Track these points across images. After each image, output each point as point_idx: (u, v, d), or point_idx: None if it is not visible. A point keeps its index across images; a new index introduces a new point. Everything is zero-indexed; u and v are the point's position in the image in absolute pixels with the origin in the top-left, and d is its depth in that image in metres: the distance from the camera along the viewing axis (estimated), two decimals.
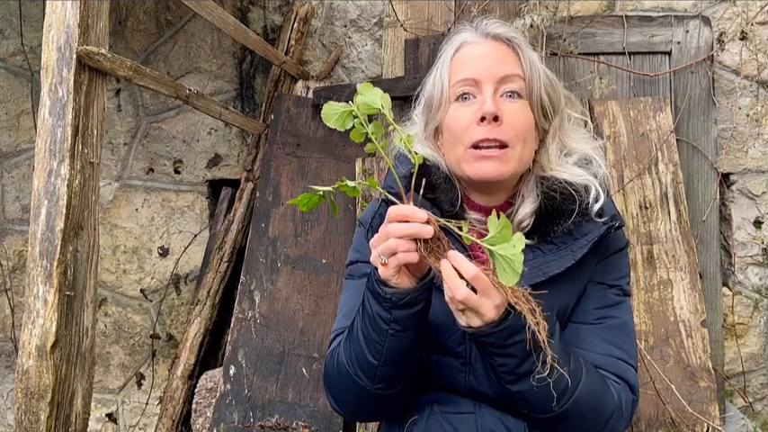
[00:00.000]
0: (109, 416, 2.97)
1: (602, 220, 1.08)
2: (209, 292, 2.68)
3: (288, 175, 2.62)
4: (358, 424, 2.25)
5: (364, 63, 2.81)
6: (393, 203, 0.95)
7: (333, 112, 0.95)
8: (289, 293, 2.46)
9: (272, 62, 2.67)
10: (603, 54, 2.50)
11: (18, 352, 1.51)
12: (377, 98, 0.94)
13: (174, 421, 2.59)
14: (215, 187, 2.96)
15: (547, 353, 0.87)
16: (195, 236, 2.92)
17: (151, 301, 2.96)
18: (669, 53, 2.46)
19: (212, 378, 2.50)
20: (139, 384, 2.96)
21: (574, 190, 1.08)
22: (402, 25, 2.62)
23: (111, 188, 3.01)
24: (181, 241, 2.94)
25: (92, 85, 1.59)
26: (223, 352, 2.65)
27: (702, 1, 2.52)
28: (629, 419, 1.06)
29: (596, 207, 1.08)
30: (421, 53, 2.58)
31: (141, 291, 2.97)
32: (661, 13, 2.52)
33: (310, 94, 2.75)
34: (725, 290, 2.45)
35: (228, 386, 2.34)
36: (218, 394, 2.35)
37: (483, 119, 1.05)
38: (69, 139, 1.50)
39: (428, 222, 0.89)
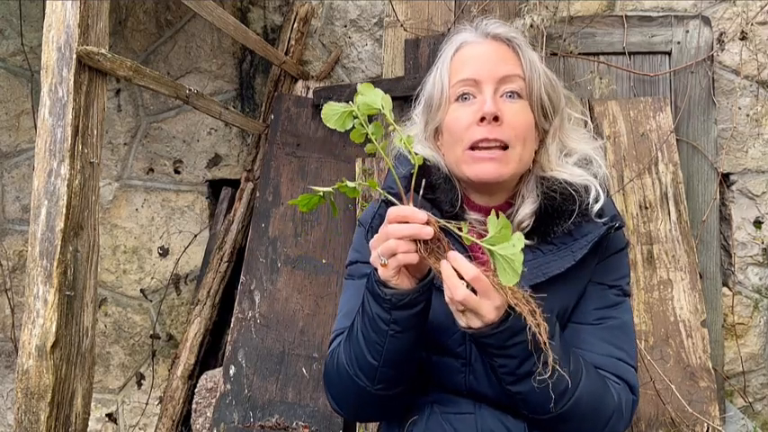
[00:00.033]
0: (109, 416, 2.97)
1: (603, 220, 1.08)
2: (209, 292, 2.68)
3: (288, 175, 2.62)
4: (358, 424, 2.25)
5: (364, 63, 2.81)
6: (393, 204, 0.95)
7: (333, 113, 0.95)
8: (289, 293, 2.46)
9: (272, 62, 2.67)
10: (603, 54, 2.50)
11: (18, 352, 1.51)
12: (377, 98, 0.94)
13: (174, 421, 2.59)
14: (215, 187, 2.96)
15: (548, 354, 0.87)
16: (195, 236, 2.92)
17: (151, 301, 2.96)
18: (669, 53, 2.46)
19: (212, 378, 2.50)
20: (139, 384, 2.96)
21: (574, 190, 1.08)
22: (402, 25, 2.62)
23: (111, 188, 3.01)
24: (181, 241, 2.94)
25: (92, 85, 1.59)
26: (223, 352, 2.65)
27: (702, 1, 2.52)
28: (629, 420, 1.06)
29: (596, 207, 1.08)
30: (421, 53, 2.58)
31: (141, 291, 2.97)
32: (661, 13, 2.52)
33: (310, 94, 2.75)
34: (725, 290, 2.45)
35: (228, 386, 2.34)
36: (218, 394, 2.35)
37: (483, 119, 1.04)
38: (69, 139, 1.50)
39: (428, 223, 0.89)
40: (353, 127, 0.95)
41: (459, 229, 0.89)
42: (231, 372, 2.36)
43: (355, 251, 1.21)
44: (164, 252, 2.95)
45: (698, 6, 2.53)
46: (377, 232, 0.96)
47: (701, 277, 2.27)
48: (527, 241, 1.07)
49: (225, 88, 2.94)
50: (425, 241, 0.89)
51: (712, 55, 2.44)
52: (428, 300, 0.98)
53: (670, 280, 2.22)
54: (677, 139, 2.36)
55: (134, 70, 1.73)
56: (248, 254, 2.53)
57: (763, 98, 2.50)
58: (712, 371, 2.15)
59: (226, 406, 2.31)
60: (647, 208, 2.29)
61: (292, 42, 2.75)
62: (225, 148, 2.93)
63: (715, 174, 2.42)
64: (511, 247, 0.83)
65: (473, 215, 1.13)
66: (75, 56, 1.51)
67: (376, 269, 0.95)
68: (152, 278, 2.96)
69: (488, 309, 0.89)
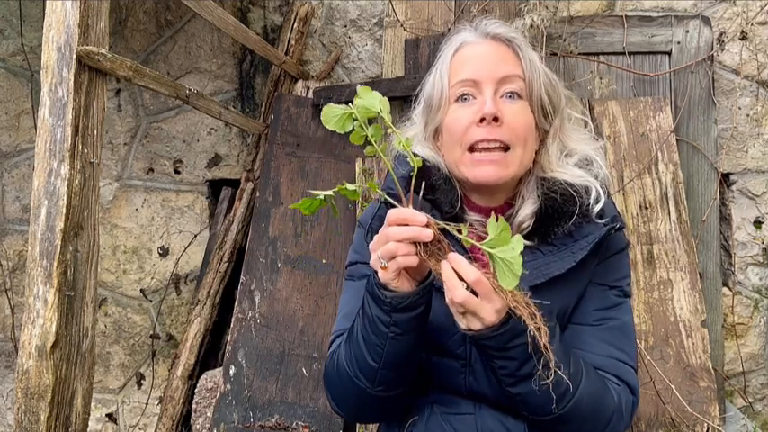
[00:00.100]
0: (109, 416, 2.97)
1: (603, 221, 1.08)
2: (209, 292, 2.68)
3: (288, 175, 2.62)
4: (358, 424, 2.25)
5: (364, 63, 2.81)
6: (393, 205, 0.94)
7: (332, 115, 0.95)
8: (289, 293, 2.46)
9: (272, 62, 2.67)
10: (603, 54, 2.50)
11: (18, 352, 1.51)
12: (375, 101, 0.94)
13: (174, 421, 2.59)
14: (215, 187, 2.96)
15: (548, 357, 0.87)
16: (195, 236, 2.92)
17: (151, 301, 2.96)
18: (669, 53, 2.46)
19: (212, 378, 2.50)
20: (139, 384, 2.96)
21: (574, 191, 1.08)
22: (402, 25, 2.62)
23: (111, 188, 3.01)
24: (181, 241, 2.94)
25: (92, 85, 1.59)
26: (223, 352, 2.65)
27: (702, 1, 2.52)
28: (629, 421, 1.06)
29: (597, 208, 1.07)
30: (421, 53, 2.58)
31: (141, 291, 2.97)
32: (661, 13, 2.52)
33: (310, 94, 2.75)
34: (725, 290, 2.45)
35: (228, 386, 2.34)
36: (218, 394, 2.35)
37: (482, 120, 1.04)
38: (69, 139, 1.50)
39: (428, 225, 0.89)
40: (353, 129, 0.95)
41: (459, 232, 0.89)
42: (231, 372, 2.36)
43: (355, 252, 1.21)
44: (164, 252, 2.95)
45: (698, 6, 2.53)
46: (376, 233, 0.95)
47: (701, 277, 2.27)
48: (527, 242, 1.07)
49: (225, 88, 2.94)
50: (425, 243, 0.89)
51: (712, 55, 2.44)
52: (428, 302, 0.98)
53: (670, 280, 2.22)
54: (677, 139, 2.36)
55: (134, 70, 1.73)
56: (248, 254, 2.53)
57: (763, 98, 2.50)
58: (712, 371, 2.15)
59: (226, 406, 2.31)
60: (647, 208, 2.29)
61: (292, 42, 2.75)
62: (225, 148, 2.93)
63: (715, 174, 2.42)
64: (510, 251, 0.83)
65: (473, 216, 1.12)
66: (75, 56, 1.51)
67: (376, 272, 0.95)
68: (152, 278, 2.96)
69: (489, 311, 0.88)
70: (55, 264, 1.48)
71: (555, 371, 0.90)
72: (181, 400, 2.61)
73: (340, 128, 0.95)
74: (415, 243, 0.90)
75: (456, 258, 0.89)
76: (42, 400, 1.46)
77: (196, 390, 2.52)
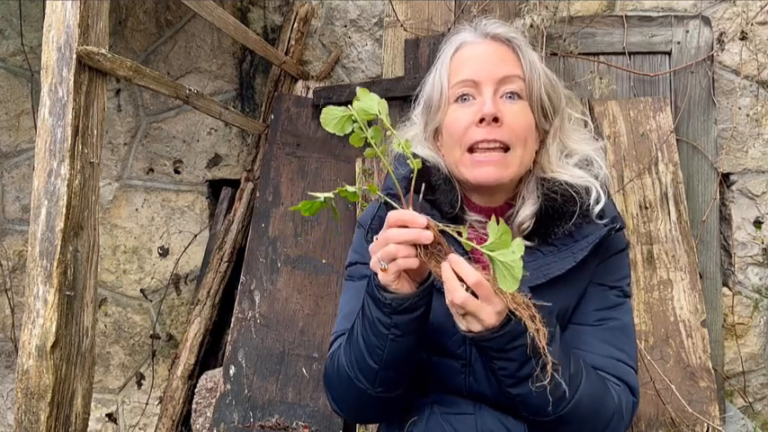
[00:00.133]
0: (109, 416, 2.97)
1: (603, 221, 1.08)
2: (209, 292, 2.68)
3: (288, 175, 2.62)
4: (358, 424, 2.25)
5: (364, 63, 2.81)
6: (392, 207, 0.94)
7: (332, 117, 0.95)
8: (289, 293, 2.46)
9: (272, 62, 2.67)
10: (603, 54, 2.50)
11: (18, 352, 1.51)
12: (374, 103, 0.93)
13: (174, 421, 2.59)
14: (215, 187, 2.96)
15: (546, 361, 0.87)
16: (195, 236, 2.92)
17: (151, 301, 2.96)
18: (669, 53, 2.46)
19: (212, 378, 2.50)
20: (139, 384, 2.96)
21: (575, 192, 1.07)
22: (402, 25, 2.62)
23: (111, 188, 3.01)
24: (181, 241, 2.94)
25: (92, 85, 1.59)
26: (223, 352, 2.65)
27: (702, 1, 2.52)
28: (629, 421, 1.06)
29: (597, 209, 1.07)
30: (421, 53, 2.57)
31: (141, 291, 2.97)
32: (661, 13, 2.52)
33: (310, 94, 2.75)
34: (725, 290, 2.45)
35: (228, 386, 2.34)
36: (218, 394, 2.35)
37: (482, 120, 1.04)
38: (69, 139, 1.50)
39: (428, 227, 0.88)
40: (353, 131, 0.95)
41: (459, 234, 0.89)
42: (231, 372, 2.36)
43: (355, 252, 1.21)
44: (164, 252, 2.95)
45: (698, 6, 2.53)
46: (376, 233, 0.95)
47: (701, 277, 2.27)
48: (527, 242, 1.07)
49: (225, 88, 2.94)
50: (425, 245, 0.89)
51: (712, 55, 2.44)
52: (428, 304, 0.98)
53: (670, 280, 2.22)
54: (677, 139, 2.36)
55: (134, 70, 1.73)
56: (248, 254, 2.53)
57: (763, 98, 2.50)
58: (712, 371, 2.15)
59: (226, 406, 2.31)
60: (647, 208, 2.29)
61: (292, 42, 2.75)
62: (225, 148, 2.93)
63: (715, 174, 2.42)
64: (511, 254, 0.83)
65: (473, 216, 1.12)
66: (75, 56, 1.51)
67: (376, 274, 0.95)
68: (152, 278, 2.96)
69: (489, 313, 0.88)
70: (55, 264, 1.48)
71: (554, 373, 0.90)
72: (181, 400, 2.61)
73: (339, 130, 0.95)
74: (415, 245, 0.89)
75: (456, 260, 0.88)
76: (42, 400, 1.46)
77: (196, 390, 2.52)
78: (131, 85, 2.97)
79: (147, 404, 2.92)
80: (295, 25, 2.74)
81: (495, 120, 1.04)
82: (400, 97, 2.48)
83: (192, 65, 2.95)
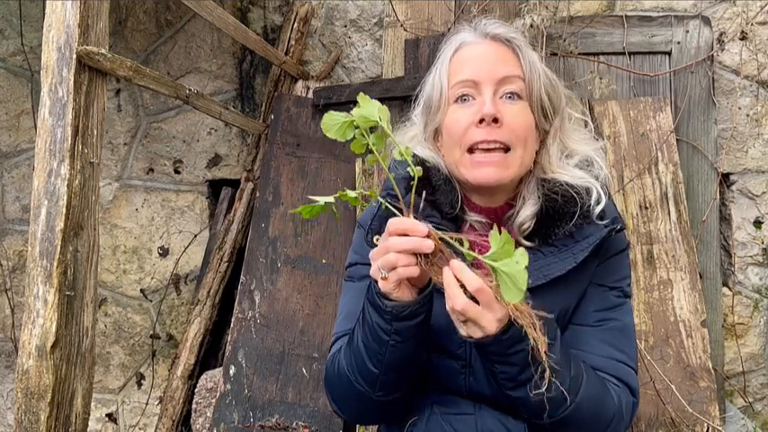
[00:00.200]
0: (109, 416, 2.97)
1: (604, 222, 1.07)
2: (209, 292, 2.68)
3: (288, 175, 2.62)
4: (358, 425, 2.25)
5: (364, 63, 2.81)
6: (392, 213, 0.94)
7: (333, 123, 0.94)
8: (289, 293, 2.46)
9: (272, 62, 2.67)
10: (603, 54, 2.50)
11: (18, 352, 1.51)
12: (375, 110, 0.92)
13: (174, 421, 2.59)
14: (215, 187, 2.96)
15: (544, 366, 0.86)
16: (195, 236, 2.92)
17: (151, 301, 2.96)
18: (669, 53, 2.46)
19: (212, 378, 2.50)
20: (139, 384, 2.96)
21: (575, 192, 1.07)
22: (402, 25, 2.62)
23: (111, 188, 3.01)
24: (181, 241, 2.94)
25: (92, 85, 1.59)
26: (223, 352, 2.65)
27: (702, 1, 2.52)
28: (630, 422, 1.06)
29: (598, 209, 1.07)
30: (421, 53, 2.57)
31: (141, 291, 2.97)
32: (661, 13, 2.52)
33: (310, 94, 2.75)
34: (725, 290, 2.45)
35: (228, 386, 2.34)
36: (218, 394, 2.35)
37: (482, 120, 1.04)
38: (69, 139, 1.50)
39: (428, 236, 0.87)
40: (354, 137, 0.94)
41: (460, 243, 0.87)
42: (231, 372, 2.36)
43: (355, 253, 1.21)
44: (164, 252, 2.95)
45: (698, 6, 2.53)
46: (376, 233, 0.95)
47: (701, 277, 2.27)
48: (527, 243, 1.07)
49: (225, 88, 2.94)
50: (426, 254, 0.88)
51: (712, 55, 2.44)
52: (429, 310, 0.97)
53: (670, 280, 2.22)
54: (677, 139, 2.36)
55: (134, 70, 1.73)
56: (248, 254, 2.53)
57: (763, 98, 2.50)
58: (712, 371, 2.15)
59: (226, 406, 2.31)
60: (647, 208, 2.29)
61: (292, 42, 2.75)
62: (225, 148, 2.93)
63: (715, 174, 2.42)
64: (514, 264, 0.80)
65: (473, 216, 1.12)
66: (75, 56, 1.51)
67: (376, 281, 0.94)
68: (152, 278, 2.96)
69: (490, 320, 0.87)
70: (55, 264, 1.48)
71: (554, 378, 0.89)
72: (181, 400, 2.61)
73: (341, 136, 0.94)
74: (415, 254, 0.89)
75: (458, 266, 0.88)
76: (42, 400, 1.46)
77: (196, 390, 2.52)
78: (131, 85, 2.97)
79: (147, 404, 2.92)
80: (295, 25, 2.74)
81: (495, 120, 1.03)
82: (400, 97, 2.49)
83: (192, 65, 2.95)
